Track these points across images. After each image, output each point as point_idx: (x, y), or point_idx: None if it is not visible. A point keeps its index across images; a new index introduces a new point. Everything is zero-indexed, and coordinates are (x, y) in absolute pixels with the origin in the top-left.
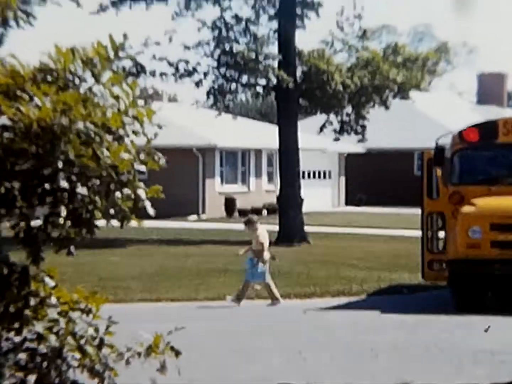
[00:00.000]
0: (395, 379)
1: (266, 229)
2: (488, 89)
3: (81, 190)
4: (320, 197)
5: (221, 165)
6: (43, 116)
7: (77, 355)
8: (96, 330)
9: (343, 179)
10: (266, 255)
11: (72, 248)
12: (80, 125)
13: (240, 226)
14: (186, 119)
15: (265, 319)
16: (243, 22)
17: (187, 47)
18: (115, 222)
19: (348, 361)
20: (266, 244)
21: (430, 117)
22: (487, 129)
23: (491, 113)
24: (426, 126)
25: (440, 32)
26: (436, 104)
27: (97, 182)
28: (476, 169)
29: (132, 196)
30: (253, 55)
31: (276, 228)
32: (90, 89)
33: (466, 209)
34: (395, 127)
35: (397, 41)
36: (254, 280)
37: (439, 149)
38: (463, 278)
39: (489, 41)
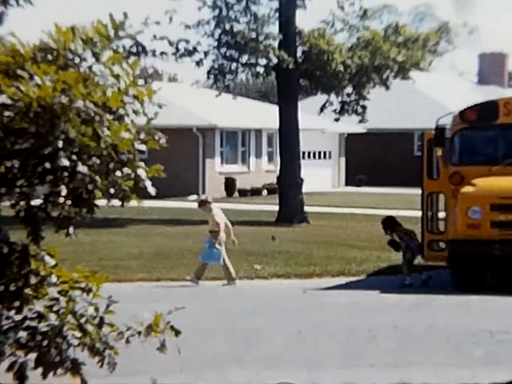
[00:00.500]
0: (394, 359)
1: (220, 209)
2: (489, 69)
3: (82, 168)
4: (320, 177)
5: (221, 145)
6: (43, 95)
7: (78, 334)
8: (96, 309)
9: (343, 159)
10: (222, 235)
11: (71, 229)
12: (80, 104)
13: (240, 206)
14: (186, 99)
15: (265, 299)
16: (244, 1)
17: (187, 27)
18: (115, 202)
19: (348, 341)
20: (222, 225)
21: (431, 98)
22: (488, 109)
23: (492, 93)
24: (427, 107)
25: (441, 12)
26: (436, 84)
27: (97, 161)
28: (477, 149)
29: (133, 175)
30: (253, 35)
31: (276, 208)
32: (90, 68)
33: (466, 189)
34: (395, 107)
35: (398, 21)
36: (208, 260)
37: (440, 130)
38: (462, 258)
39: (490, 21)
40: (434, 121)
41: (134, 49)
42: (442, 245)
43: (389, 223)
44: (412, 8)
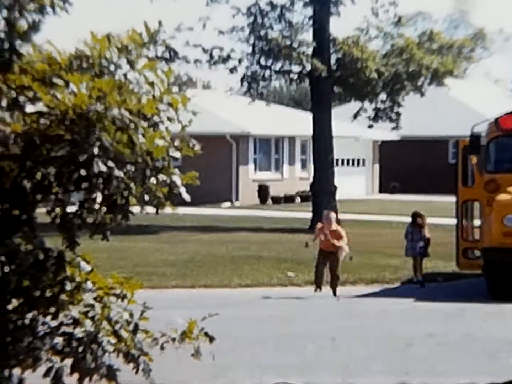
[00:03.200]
0: (428, 367)
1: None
2: None
3: (118, 173)
4: (354, 184)
5: (254, 152)
6: (78, 103)
7: (113, 340)
8: (131, 315)
9: (377, 166)
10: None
11: (107, 232)
12: (115, 112)
13: (273, 213)
14: (220, 106)
15: (298, 306)
16: (278, 9)
17: (221, 33)
18: (149, 209)
19: (381, 349)
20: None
21: (466, 105)
22: None
23: None
24: (461, 114)
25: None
26: (471, 91)
27: (132, 168)
28: None
29: (167, 182)
30: (287, 42)
31: (309, 215)
32: (125, 75)
33: (502, 197)
34: (430, 114)
35: (433, 28)
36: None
37: (475, 137)
38: (497, 267)
39: None
40: (469, 129)
41: (167, 55)
42: (477, 253)
43: (414, 216)
44: (447, 15)
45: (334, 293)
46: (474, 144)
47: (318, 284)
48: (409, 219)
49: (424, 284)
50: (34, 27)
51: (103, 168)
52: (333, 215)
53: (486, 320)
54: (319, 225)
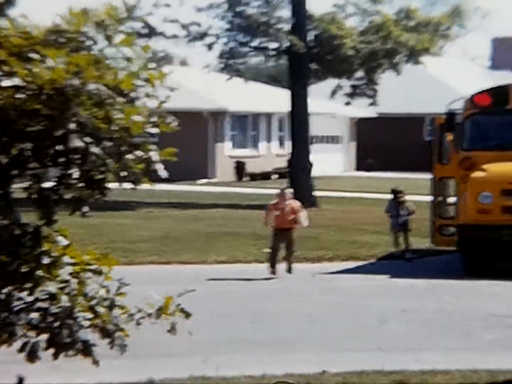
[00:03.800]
0: (403, 343)
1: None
2: (502, 54)
3: (94, 149)
4: (331, 161)
5: (231, 129)
6: (55, 78)
7: (89, 316)
8: (107, 291)
9: (353, 144)
10: None
11: (85, 208)
12: (92, 87)
13: (251, 190)
14: (197, 82)
15: (275, 282)
16: None
17: (199, 9)
18: (126, 184)
19: (357, 325)
20: None
21: (442, 82)
22: (499, 94)
23: (504, 78)
24: (438, 91)
25: None
26: (448, 69)
27: (109, 144)
28: (488, 134)
29: (144, 158)
30: (265, 18)
31: None
32: (102, 51)
33: (477, 174)
34: (406, 92)
35: (410, 5)
36: None
37: (451, 114)
38: (472, 243)
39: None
40: (445, 106)
41: (144, 31)
42: (452, 230)
43: (394, 192)
44: None
45: (289, 269)
46: (450, 122)
47: (272, 265)
48: (386, 196)
49: (409, 259)
50: (10, 1)
51: (80, 143)
52: (288, 191)
53: (460, 296)
54: (270, 204)
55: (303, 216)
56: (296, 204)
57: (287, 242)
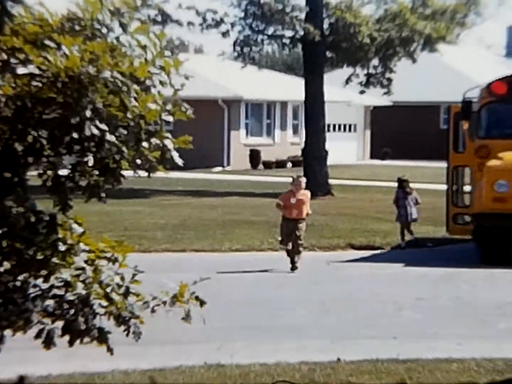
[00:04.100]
0: (418, 331)
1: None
2: None
3: (110, 137)
4: (345, 150)
5: (246, 117)
6: (70, 65)
7: (104, 303)
8: (122, 278)
9: (368, 132)
10: None
11: (103, 194)
12: (107, 74)
13: (265, 178)
14: (212, 70)
15: (288, 270)
16: None
17: None
18: (141, 172)
19: (372, 313)
20: None
21: (458, 71)
22: None
23: None
24: (453, 80)
25: None
26: (464, 57)
27: (124, 131)
28: (504, 122)
29: (160, 146)
30: (280, 6)
31: None
32: (117, 38)
33: (493, 162)
34: (422, 80)
35: None
36: None
37: (466, 103)
38: (488, 232)
39: None
40: (461, 94)
41: (159, 18)
42: (467, 218)
43: (400, 181)
44: None
45: (294, 265)
46: (465, 110)
47: (284, 243)
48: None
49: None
50: None
51: (95, 131)
52: (303, 179)
53: (475, 285)
54: (284, 193)
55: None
56: (308, 193)
57: (297, 232)
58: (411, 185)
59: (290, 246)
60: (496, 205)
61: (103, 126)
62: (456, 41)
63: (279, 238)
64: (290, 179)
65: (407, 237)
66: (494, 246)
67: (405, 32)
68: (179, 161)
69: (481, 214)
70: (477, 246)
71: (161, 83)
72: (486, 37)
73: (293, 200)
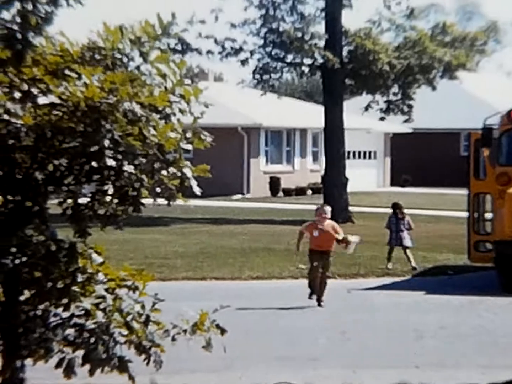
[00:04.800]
0: (440, 360)
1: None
2: None
3: (128, 168)
4: (365, 177)
5: (266, 144)
6: (90, 95)
7: (124, 332)
8: (143, 307)
9: (388, 159)
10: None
11: (120, 222)
12: (126, 104)
13: (285, 206)
14: (232, 98)
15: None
16: (290, 1)
17: (233, 25)
18: (161, 201)
19: (392, 341)
20: None
21: (478, 98)
22: None
23: None
24: (474, 107)
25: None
26: (484, 84)
27: (144, 160)
28: None
29: (179, 174)
30: (299, 34)
31: None
32: (138, 68)
33: None
34: (442, 107)
35: (445, 20)
36: None
37: (487, 130)
38: (509, 260)
39: None
40: (481, 121)
41: (179, 47)
42: (489, 246)
43: (394, 207)
44: (459, 7)
45: (320, 302)
46: (486, 137)
47: (313, 289)
48: (420, 212)
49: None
50: (47, 18)
51: (112, 163)
52: (328, 208)
53: (497, 313)
54: (307, 224)
55: (354, 240)
56: (334, 224)
57: (323, 266)
58: (429, 212)
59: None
60: None
61: (120, 156)
62: (476, 68)
63: (301, 266)
64: (314, 208)
65: (405, 264)
66: None
67: (425, 60)
68: (197, 190)
69: (503, 241)
70: (498, 274)
71: (181, 111)
72: (506, 63)
73: (315, 233)
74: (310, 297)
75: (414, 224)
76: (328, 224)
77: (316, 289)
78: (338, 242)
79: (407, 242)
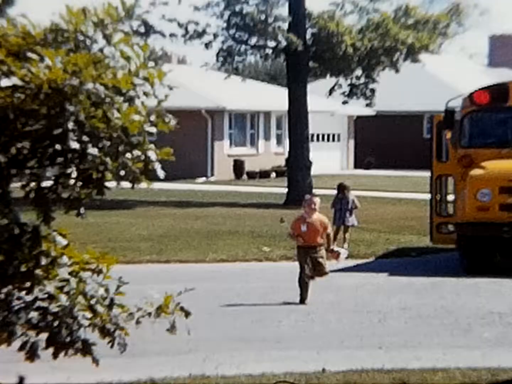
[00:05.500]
0: (403, 340)
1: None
2: (500, 51)
3: (92, 150)
4: (329, 160)
5: (230, 127)
6: (53, 77)
7: (88, 315)
8: (107, 290)
9: (352, 142)
10: None
11: (82, 209)
12: (90, 86)
13: (249, 188)
14: (196, 81)
15: (273, 281)
16: None
17: (196, 8)
18: (125, 184)
19: (356, 323)
20: None
21: (441, 80)
22: (498, 91)
23: (502, 75)
24: (436, 89)
25: None
26: (446, 67)
27: (108, 143)
28: (486, 131)
29: (142, 157)
30: (262, 17)
31: (284, 190)
32: (101, 50)
33: (476, 172)
34: (405, 90)
35: (408, 2)
36: None
37: (449, 112)
38: (471, 241)
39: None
40: (444, 104)
41: (142, 30)
42: (451, 227)
43: (339, 188)
44: None
45: (304, 298)
46: (448, 119)
47: (303, 298)
48: (384, 194)
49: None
50: (9, 0)
51: (76, 145)
52: (317, 200)
53: (459, 294)
54: (293, 221)
55: (343, 254)
56: (323, 219)
57: (317, 263)
58: (393, 194)
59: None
60: (479, 214)
61: (85, 138)
62: (439, 51)
63: (264, 249)
64: (274, 189)
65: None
66: (477, 255)
67: (388, 42)
68: (161, 174)
69: (464, 223)
70: (460, 255)
71: (145, 94)
72: (468, 46)
73: (303, 227)
74: (302, 301)
75: (360, 204)
76: (317, 219)
77: (306, 296)
78: (329, 251)
79: (349, 221)
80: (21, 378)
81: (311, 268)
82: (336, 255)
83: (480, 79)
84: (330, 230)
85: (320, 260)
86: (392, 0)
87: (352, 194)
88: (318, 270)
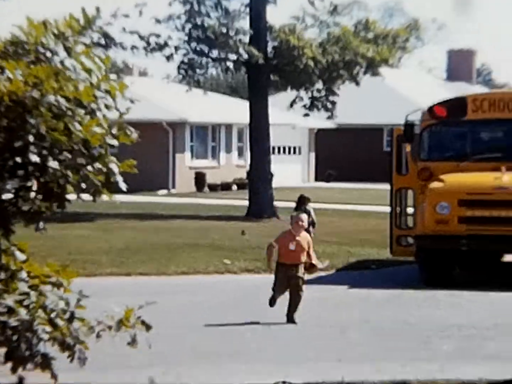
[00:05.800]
0: (362, 354)
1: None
2: (457, 65)
3: (53, 164)
4: (290, 172)
5: (191, 139)
6: (14, 90)
7: (48, 328)
8: (67, 303)
9: (313, 154)
10: None
11: (41, 224)
12: (51, 99)
13: (210, 201)
14: (157, 93)
15: (235, 293)
16: None
17: (158, 21)
18: (86, 196)
19: (316, 336)
20: None
21: (400, 94)
22: (456, 105)
23: (460, 89)
24: (396, 103)
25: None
26: (406, 80)
27: (69, 156)
28: (445, 145)
29: (104, 170)
30: (224, 30)
31: (246, 203)
32: (62, 62)
33: (435, 185)
34: (365, 103)
35: (368, 17)
36: None
37: (409, 125)
38: (430, 254)
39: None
40: (403, 117)
41: (102, 42)
42: (410, 240)
43: (300, 200)
44: (382, 4)
45: (292, 319)
46: (408, 132)
47: (272, 304)
48: (344, 207)
49: None
50: None
51: (36, 159)
52: (305, 216)
53: (419, 306)
54: (280, 235)
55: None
56: (309, 238)
57: (295, 283)
58: (353, 207)
59: (281, 294)
60: (438, 227)
61: (45, 152)
62: (398, 65)
63: (225, 261)
64: (236, 202)
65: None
66: (436, 268)
67: (348, 56)
68: (123, 186)
69: (423, 236)
70: (420, 267)
71: (107, 106)
72: (427, 60)
73: (292, 246)
74: (271, 303)
75: (319, 218)
76: (304, 238)
77: (274, 303)
78: (310, 266)
79: (311, 233)
80: (21, 378)
81: (286, 286)
82: (317, 268)
83: (438, 93)
84: (312, 250)
85: (299, 278)
86: (352, 14)
87: (310, 206)
88: (295, 291)
